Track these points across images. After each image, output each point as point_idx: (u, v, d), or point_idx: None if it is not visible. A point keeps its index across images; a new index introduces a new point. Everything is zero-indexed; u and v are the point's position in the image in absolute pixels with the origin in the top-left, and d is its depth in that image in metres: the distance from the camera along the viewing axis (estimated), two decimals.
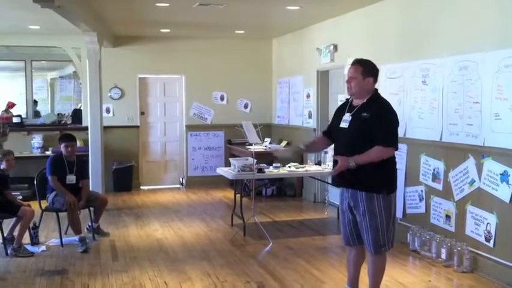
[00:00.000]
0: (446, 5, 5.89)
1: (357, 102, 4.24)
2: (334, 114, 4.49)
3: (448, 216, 5.84)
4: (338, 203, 8.03)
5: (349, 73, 4.22)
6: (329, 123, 4.67)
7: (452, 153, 5.75)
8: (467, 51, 5.51)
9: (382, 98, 4.32)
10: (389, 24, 7.00)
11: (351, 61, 7.71)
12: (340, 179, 4.25)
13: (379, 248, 4.18)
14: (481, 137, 5.29)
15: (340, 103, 4.60)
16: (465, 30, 5.57)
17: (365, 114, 4.12)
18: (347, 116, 4.23)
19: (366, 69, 4.21)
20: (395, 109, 6.68)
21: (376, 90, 4.29)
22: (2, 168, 6.40)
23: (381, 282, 4.42)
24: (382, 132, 4.10)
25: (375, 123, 4.08)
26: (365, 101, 4.19)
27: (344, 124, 4.23)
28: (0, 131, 8.34)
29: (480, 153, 5.31)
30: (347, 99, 4.40)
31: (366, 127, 4.09)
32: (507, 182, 4.97)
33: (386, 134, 4.12)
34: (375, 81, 4.25)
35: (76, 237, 6.46)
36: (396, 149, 4.20)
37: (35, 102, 11.38)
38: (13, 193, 6.86)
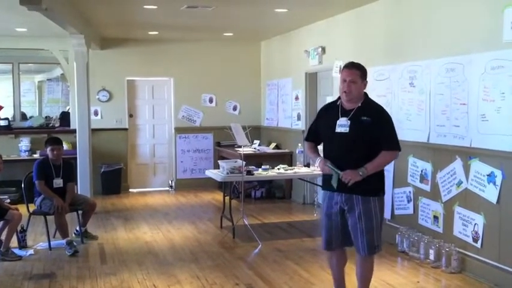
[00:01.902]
0: (433, 7, 5.93)
1: (350, 106, 4.18)
2: (320, 119, 4.41)
3: (436, 217, 5.87)
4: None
5: (347, 77, 4.15)
6: (312, 127, 4.53)
7: (440, 154, 5.79)
8: (454, 54, 5.55)
9: (375, 101, 4.35)
10: (376, 26, 7.04)
11: (338, 63, 7.83)
12: (340, 184, 4.15)
13: (373, 249, 4.19)
14: (468, 139, 5.33)
15: (323, 107, 4.56)
16: (452, 32, 5.62)
17: (365, 118, 4.10)
18: (344, 121, 4.15)
19: (362, 72, 4.22)
20: None
21: (366, 93, 4.30)
22: None
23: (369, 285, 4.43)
24: (388, 137, 4.13)
25: (377, 127, 4.08)
26: (360, 104, 4.17)
27: (342, 129, 4.14)
28: None
29: (467, 154, 5.35)
30: (333, 103, 4.35)
31: (368, 131, 4.08)
32: (494, 183, 5.01)
33: (391, 137, 4.16)
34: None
35: (64, 241, 6.42)
36: (400, 151, 4.23)
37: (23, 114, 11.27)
38: (0, 196, 6.81)
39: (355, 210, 4.13)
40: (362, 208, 4.12)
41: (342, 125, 4.16)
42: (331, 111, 4.30)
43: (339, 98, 4.30)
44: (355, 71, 4.19)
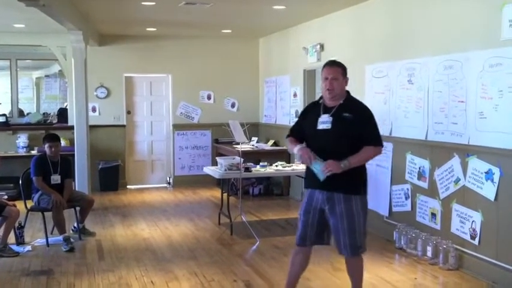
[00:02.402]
0: (432, 4, 5.93)
1: (332, 103, 4.17)
2: (303, 117, 4.39)
3: (433, 214, 5.88)
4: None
5: (329, 74, 4.15)
6: (294, 126, 4.49)
7: (438, 151, 5.79)
8: (452, 51, 5.55)
9: (357, 99, 4.33)
10: (375, 23, 7.03)
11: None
12: (315, 181, 4.13)
13: (356, 250, 4.13)
14: (466, 136, 5.33)
15: (306, 106, 4.55)
16: (450, 30, 5.62)
17: (347, 114, 4.09)
18: (326, 118, 4.14)
19: (343, 70, 4.22)
20: (381, 108, 6.77)
21: (348, 91, 4.29)
22: None
23: (362, 282, 4.37)
24: (371, 133, 4.12)
25: (360, 123, 4.08)
26: (342, 101, 4.16)
27: (324, 126, 4.13)
28: None
29: (465, 151, 5.36)
30: (316, 102, 4.34)
31: (350, 127, 4.07)
32: (492, 180, 5.01)
33: (374, 133, 4.15)
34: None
35: (61, 237, 6.42)
36: (382, 147, 4.24)
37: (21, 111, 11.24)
38: None
39: (337, 209, 4.07)
40: (344, 207, 4.06)
41: (324, 121, 4.15)
42: (314, 109, 4.28)
43: (321, 97, 4.28)
44: (337, 68, 4.19)
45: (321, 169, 4.03)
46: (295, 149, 4.26)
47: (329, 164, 4.00)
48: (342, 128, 4.08)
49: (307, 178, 4.29)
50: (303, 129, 4.33)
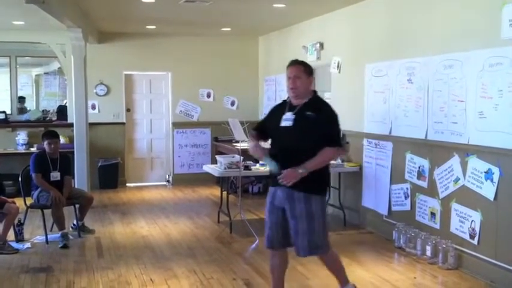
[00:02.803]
0: (432, 3, 5.93)
1: (298, 102, 4.17)
2: (270, 114, 4.40)
3: (433, 214, 5.88)
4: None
5: (291, 73, 4.16)
6: (260, 122, 4.53)
7: (437, 151, 5.79)
8: (452, 50, 5.55)
9: (322, 99, 4.33)
10: (375, 22, 7.03)
11: (337, 59, 7.83)
12: (276, 179, 4.11)
13: (314, 250, 4.11)
14: (466, 135, 5.33)
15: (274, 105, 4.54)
16: (450, 29, 5.62)
17: (309, 113, 4.07)
18: (289, 115, 4.14)
19: (307, 68, 4.21)
20: (380, 107, 6.77)
21: (315, 91, 4.29)
22: None
23: (343, 271, 4.40)
24: (330, 133, 4.08)
25: (321, 123, 4.05)
26: (307, 100, 4.16)
27: (287, 123, 4.13)
28: None
29: (465, 151, 5.36)
30: (284, 101, 4.33)
31: (311, 126, 4.05)
32: (491, 180, 5.01)
33: (333, 134, 4.11)
34: (314, 81, 4.27)
35: (59, 233, 6.44)
36: (341, 147, 4.24)
37: (21, 98, 11.25)
38: None
39: (297, 210, 4.04)
40: (304, 207, 4.03)
41: (287, 119, 4.15)
42: (280, 108, 4.29)
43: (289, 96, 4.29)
44: (299, 67, 4.19)
45: (279, 179, 4.00)
46: (250, 145, 4.33)
47: (287, 176, 3.96)
48: (304, 127, 4.07)
49: (270, 177, 4.29)
50: (267, 126, 4.34)
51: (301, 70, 4.17)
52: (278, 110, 4.29)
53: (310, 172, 3.99)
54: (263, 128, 4.39)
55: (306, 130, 4.06)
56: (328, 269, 4.40)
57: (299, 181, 3.99)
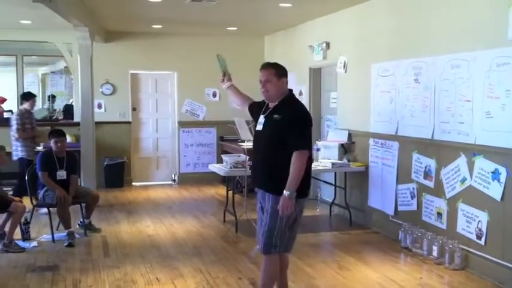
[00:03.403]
0: (438, 3, 5.91)
1: (271, 104, 4.17)
2: (258, 104, 4.39)
3: (439, 214, 5.87)
4: (330, 200, 8.09)
5: (262, 77, 4.14)
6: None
7: (444, 151, 5.78)
8: (459, 50, 5.53)
9: (294, 99, 4.22)
10: (381, 22, 7.01)
11: (343, 59, 7.81)
12: (255, 180, 4.22)
13: (269, 248, 4.06)
14: (473, 135, 5.31)
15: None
16: (457, 29, 5.60)
17: (276, 116, 4.04)
18: (261, 118, 4.16)
19: (278, 70, 4.16)
20: (387, 107, 6.74)
21: (291, 90, 4.22)
22: None
23: (272, 286, 4.23)
24: (294, 136, 3.97)
25: (285, 126, 3.99)
26: (277, 103, 4.13)
27: (259, 127, 4.16)
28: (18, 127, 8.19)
29: (471, 151, 5.34)
30: (263, 101, 4.31)
31: (276, 130, 4.01)
32: (498, 180, 4.99)
33: (297, 137, 3.98)
34: (287, 81, 4.19)
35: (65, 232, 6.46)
36: (310, 151, 4.05)
37: (53, 97, 11.21)
38: (4, 189, 6.82)
39: (267, 207, 4.06)
40: (270, 206, 4.03)
41: (259, 122, 4.16)
42: (261, 108, 4.28)
43: None
44: (269, 70, 4.15)
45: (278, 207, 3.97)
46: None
47: (283, 208, 3.90)
48: (271, 130, 4.06)
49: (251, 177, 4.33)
50: (253, 114, 4.40)
51: (272, 73, 4.12)
52: (258, 112, 4.26)
53: (280, 176, 3.93)
54: (252, 104, 4.50)
55: (272, 134, 4.04)
56: (261, 275, 4.23)
57: (270, 184, 4.01)
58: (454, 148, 5.59)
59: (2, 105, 10.95)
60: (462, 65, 5.47)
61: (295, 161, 3.93)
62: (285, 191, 3.90)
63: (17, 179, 8.36)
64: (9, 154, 8.01)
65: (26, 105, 8.38)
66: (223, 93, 11.09)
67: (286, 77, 4.18)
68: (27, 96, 8.51)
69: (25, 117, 8.29)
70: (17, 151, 8.25)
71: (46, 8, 6.23)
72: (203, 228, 7.29)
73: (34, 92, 11.80)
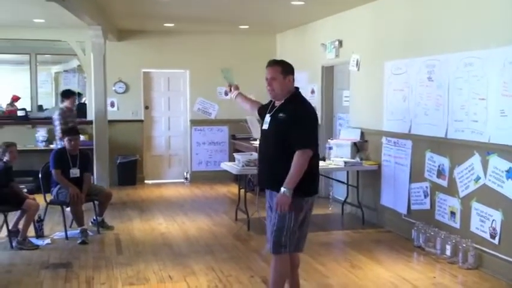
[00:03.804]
0: (452, 1, 5.87)
1: (277, 103, 4.13)
2: (264, 106, 4.35)
3: (453, 213, 5.83)
4: (342, 199, 8.06)
5: (268, 75, 4.08)
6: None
7: (458, 149, 5.74)
8: (473, 48, 5.49)
9: (301, 97, 4.15)
10: (394, 20, 6.98)
11: (355, 57, 7.78)
12: (261, 180, 4.21)
13: (278, 248, 4.02)
14: (487, 134, 5.27)
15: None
16: (470, 26, 5.56)
17: (281, 114, 4.00)
18: (267, 117, 4.11)
19: (285, 68, 4.10)
20: (400, 105, 6.70)
21: (297, 88, 4.16)
22: (5, 160, 6.39)
23: (282, 286, 4.15)
24: (297, 134, 3.92)
25: (289, 124, 3.95)
26: (283, 101, 4.08)
27: (265, 126, 4.12)
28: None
29: (485, 150, 5.30)
30: (270, 100, 4.26)
31: (282, 128, 3.97)
32: None
33: (300, 135, 3.93)
34: (294, 79, 4.14)
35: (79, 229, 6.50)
36: (314, 150, 3.98)
37: (79, 94, 11.25)
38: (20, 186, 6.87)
39: (274, 206, 4.00)
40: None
41: (266, 121, 4.13)
42: (267, 108, 4.24)
43: None
44: (276, 67, 4.08)
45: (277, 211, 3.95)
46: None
47: (280, 205, 3.87)
48: (275, 129, 4.02)
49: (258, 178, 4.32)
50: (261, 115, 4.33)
51: (278, 71, 4.06)
52: (265, 109, 4.24)
53: (284, 174, 3.89)
54: (259, 107, 4.45)
55: (276, 133, 4.01)
56: (271, 275, 4.17)
57: (277, 184, 3.92)
58: (467, 147, 5.55)
59: (16, 104, 11.01)
60: (476, 63, 5.43)
61: (297, 159, 3.88)
62: (282, 188, 3.86)
63: None
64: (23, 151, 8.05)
65: (66, 103, 8.39)
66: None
67: (293, 75, 4.12)
68: (67, 94, 8.52)
69: (67, 115, 8.30)
70: None
71: (59, 7, 6.27)
72: (215, 226, 7.31)
73: (47, 90, 11.85)
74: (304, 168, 3.89)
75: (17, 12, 8.34)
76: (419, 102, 6.39)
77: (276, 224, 4.00)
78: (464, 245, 5.46)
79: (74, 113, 8.63)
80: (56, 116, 8.27)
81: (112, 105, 10.47)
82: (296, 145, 3.91)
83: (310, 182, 4.01)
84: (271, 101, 4.25)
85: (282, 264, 4.09)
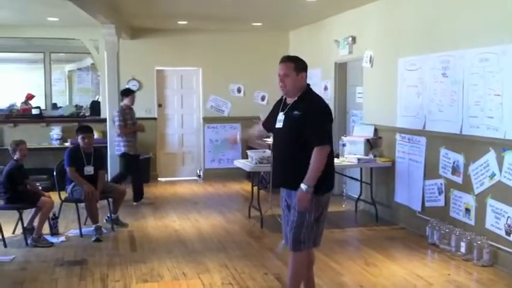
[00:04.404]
0: None
1: (290, 100, 4.08)
2: (272, 111, 4.28)
3: (467, 210, 5.79)
4: (356, 196, 8.03)
5: (280, 71, 4.03)
6: (266, 117, 4.42)
7: (473, 146, 5.69)
8: (488, 43, 5.43)
9: (313, 94, 4.12)
10: (408, 16, 6.93)
11: (369, 53, 7.74)
12: (276, 179, 4.17)
13: (298, 244, 4.01)
14: (502, 130, 5.22)
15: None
16: (486, 21, 5.50)
17: (296, 112, 3.95)
18: (281, 116, 4.07)
19: (298, 64, 4.05)
20: (414, 101, 6.65)
21: (308, 85, 4.12)
22: (16, 158, 6.42)
23: (300, 283, 4.18)
24: (314, 131, 3.90)
25: (305, 121, 3.91)
26: (296, 98, 4.04)
27: (279, 124, 4.07)
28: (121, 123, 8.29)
29: (501, 146, 5.25)
30: (282, 97, 4.21)
31: (296, 126, 3.93)
32: None
33: (317, 132, 3.91)
34: (306, 76, 4.10)
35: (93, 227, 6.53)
36: (330, 146, 3.96)
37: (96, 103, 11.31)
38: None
39: (293, 203, 3.99)
40: (296, 201, 3.96)
41: (279, 120, 4.07)
42: (279, 105, 4.19)
43: None
44: (289, 64, 4.04)
45: (295, 208, 3.95)
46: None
47: (300, 203, 3.87)
48: (290, 127, 3.98)
49: (272, 177, 4.29)
50: (270, 122, 4.26)
51: (291, 67, 4.02)
52: (276, 109, 4.19)
53: (302, 172, 3.87)
54: (267, 123, 4.36)
55: (291, 131, 3.97)
56: (288, 273, 4.20)
57: (295, 183, 3.90)
58: (482, 143, 5.50)
59: (30, 102, 11.10)
60: (491, 58, 5.37)
61: (315, 156, 3.87)
62: (302, 185, 3.86)
63: (119, 172, 8.71)
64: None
65: (126, 101, 8.48)
66: (248, 89, 11.16)
67: (306, 72, 4.09)
68: (127, 92, 8.60)
69: (126, 113, 8.40)
70: (120, 146, 8.40)
71: (74, 6, 6.30)
72: (228, 223, 7.31)
73: (61, 88, 11.95)
74: (323, 164, 3.89)
75: (31, 11, 8.40)
76: (434, 99, 6.34)
77: (295, 221, 3.99)
78: (479, 242, 5.42)
79: (133, 110, 8.69)
80: (115, 113, 8.37)
81: None
82: (314, 142, 3.89)
83: (327, 179, 4.01)
84: (281, 98, 4.22)
85: (300, 261, 4.10)
